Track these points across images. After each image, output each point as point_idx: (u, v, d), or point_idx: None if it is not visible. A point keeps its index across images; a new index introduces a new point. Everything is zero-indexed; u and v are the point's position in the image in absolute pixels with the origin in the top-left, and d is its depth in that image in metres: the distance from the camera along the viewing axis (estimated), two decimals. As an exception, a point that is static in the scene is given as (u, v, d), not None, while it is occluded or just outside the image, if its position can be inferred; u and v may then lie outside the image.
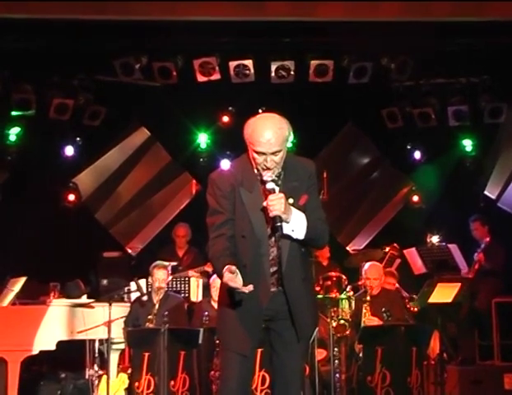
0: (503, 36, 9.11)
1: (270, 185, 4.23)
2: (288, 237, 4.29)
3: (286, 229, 4.23)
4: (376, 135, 11.22)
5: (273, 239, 4.31)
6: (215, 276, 8.51)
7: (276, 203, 4.17)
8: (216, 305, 8.13)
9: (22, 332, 7.56)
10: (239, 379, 4.39)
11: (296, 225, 4.25)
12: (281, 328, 4.40)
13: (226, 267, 4.14)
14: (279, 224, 4.18)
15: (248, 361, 4.42)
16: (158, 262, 8.16)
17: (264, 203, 4.22)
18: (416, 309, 8.24)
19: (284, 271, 4.32)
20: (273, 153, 4.26)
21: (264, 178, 4.26)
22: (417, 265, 9.40)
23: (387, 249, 9.51)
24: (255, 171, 4.35)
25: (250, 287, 4.11)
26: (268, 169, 4.27)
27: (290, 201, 4.25)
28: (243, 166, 4.41)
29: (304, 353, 4.75)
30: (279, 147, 4.26)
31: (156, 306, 7.83)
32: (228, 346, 4.43)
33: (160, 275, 7.98)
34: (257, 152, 4.27)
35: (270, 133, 4.26)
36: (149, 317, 7.75)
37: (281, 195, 4.19)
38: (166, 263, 8.28)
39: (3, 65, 9.61)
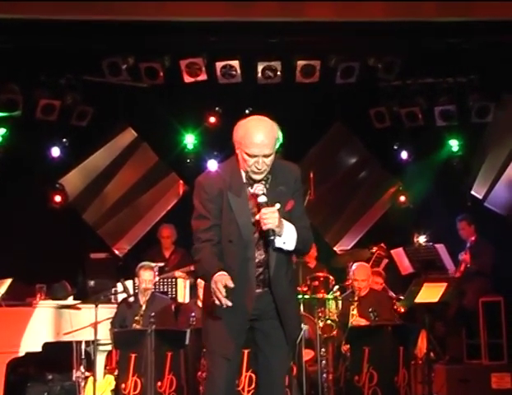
0: (490, 36, 9.15)
1: (262, 199, 4.22)
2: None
3: (278, 242, 4.24)
4: (364, 135, 11.24)
5: (260, 242, 4.32)
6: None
7: (270, 217, 4.17)
8: (202, 306, 8.19)
9: (8, 333, 7.52)
10: (225, 381, 4.40)
11: (287, 238, 4.26)
12: (268, 328, 4.41)
13: (219, 273, 4.16)
14: (272, 237, 4.19)
15: (232, 363, 4.44)
16: (144, 262, 8.15)
17: (257, 216, 4.22)
18: (402, 310, 8.26)
19: (272, 275, 4.33)
20: (265, 156, 4.26)
21: (256, 191, 4.25)
22: (404, 265, 9.42)
23: (374, 249, 9.53)
24: (243, 175, 4.34)
25: (229, 304, 4.12)
26: (259, 172, 4.27)
27: (277, 206, 4.22)
28: (231, 169, 4.39)
29: (290, 354, 4.76)
30: (271, 150, 4.27)
31: (143, 307, 7.83)
32: (212, 348, 4.43)
33: (147, 276, 7.98)
34: (249, 155, 4.26)
35: (263, 136, 4.26)
36: (136, 318, 7.75)
37: (275, 209, 4.19)
38: (153, 264, 8.29)
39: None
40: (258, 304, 4.35)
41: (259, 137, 4.25)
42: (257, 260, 4.34)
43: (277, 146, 4.34)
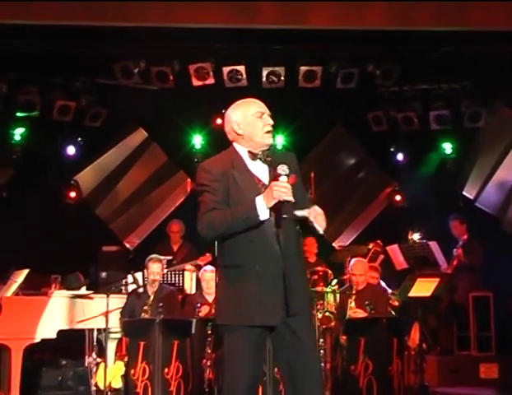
0: (482, 45, 9.13)
1: (284, 179, 4.04)
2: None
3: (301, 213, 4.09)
4: (362, 137, 11.24)
5: (271, 217, 4.10)
6: (203, 269, 8.55)
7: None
8: (208, 297, 8.19)
9: (25, 321, 7.56)
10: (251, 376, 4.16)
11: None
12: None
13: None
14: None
15: (259, 349, 4.21)
16: (153, 255, 8.13)
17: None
18: (397, 303, 8.25)
19: (283, 249, 4.13)
20: (269, 115, 4.28)
21: (279, 170, 4.04)
22: (399, 261, 9.42)
23: (371, 246, 9.49)
24: (244, 154, 4.25)
25: (292, 199, 3.98)
26: (271, 127, 4.23)
27: (284, 178, 4.06)
28: (231, 153, 4.31)
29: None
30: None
31: (151, 297, 7.85)
32: (251, 321, 4.11)
33: (155, 268, 7.98)
34: (257, 115, 4.26)
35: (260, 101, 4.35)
36: (144, 308, 7.76)
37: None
38: (161, 257, 8.26)
39: (10, 68, 9.59)
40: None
41: (256, 100, 4.36)
42: (275, 236, 4.14)
43: None
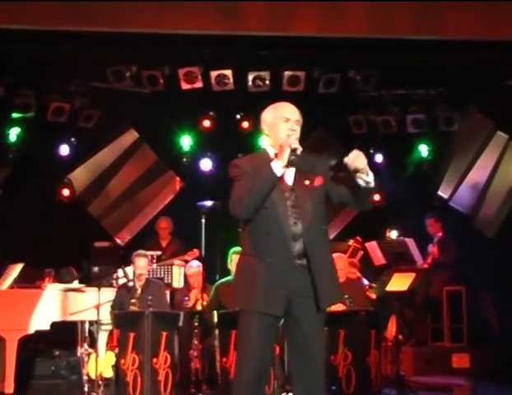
0: (458, 53, 9.19)
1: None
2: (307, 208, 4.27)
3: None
4: (343, 139, 11.23)
5: (295, 214, 4.23)
6: (189, 264, 8.58)
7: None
8: (193, 291, 8.22)
9: (19, 313, 7.57)
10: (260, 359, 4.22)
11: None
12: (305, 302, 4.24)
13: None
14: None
15: (273, 333, 4.26)
16: (139, 251, 8.11)
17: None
18: (374, 296, 8.29)
19: (307, 246, 4.20)
20: (296, 121, 4.33)
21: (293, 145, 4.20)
22: (377, 257, 9.47)
23: (351, 242, 9.53)
24: (271, 153, 4.32)
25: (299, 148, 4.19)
26: (293, 132, 4.29)
27: (306, 182, 4.28)
28: (262, 154, 4.37)
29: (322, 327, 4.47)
30: (299, 118, 4.36)
31: (139, 291, 7.84)
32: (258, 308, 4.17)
33: (141, 262, 7.96)
34: (284, 119, 4.31)
35: (291, 105, 4.42)
36: (132, 301, 7.74)
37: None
38: (147, 252, 8.27)
39: (6, 71, 9.56)
40: (296, 276, 4.20)
41: (287, 104, 4.41)
42: (291, 229, 4.22)
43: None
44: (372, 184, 4.27)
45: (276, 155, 4.26)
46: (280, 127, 4.31)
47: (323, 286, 4.21)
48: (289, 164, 4.19)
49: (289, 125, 4.30)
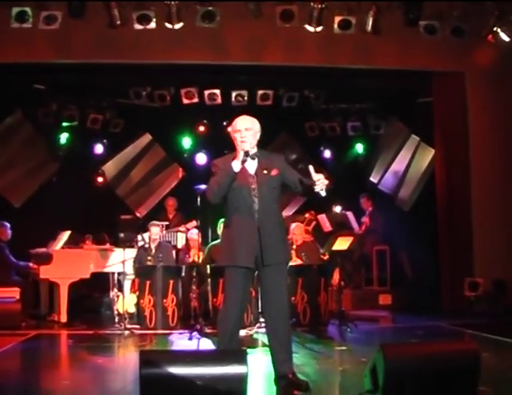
0: (384, 78, 9.26)
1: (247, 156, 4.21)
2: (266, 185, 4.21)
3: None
4: (301, 140, 11.26)
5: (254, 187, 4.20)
6: (190, 232, 8.56)
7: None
8: (193, 250, 8.22)
9: (68, 266, 7.66)
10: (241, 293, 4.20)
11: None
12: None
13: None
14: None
15: (248, 278, 4.23)
16: (153, 221, 8.15)
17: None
18: (327, 256, 8.20)
19: (259, 213, 4.18)
20: (246, 129, 4.27)
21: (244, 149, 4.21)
22: (326, 225, 9.39)
23: (306, 215, 9.47)
24: (240, 155, 4.26)
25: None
26: (244, 140, 4.23)
27: (265, 172, 4.24)
28: (231, 157, 4.33)
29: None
30: (249, 125, 4.29)
31: (153, 251, 7.85)
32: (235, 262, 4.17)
33: (155, 230, 7.97)
34: (235, 131, 4.28)
35: (243, 118, 4.37)
36: (148, 258, 7.77)
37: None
38: (159, 222, 8.27)
39: (58, 92, 9.69)
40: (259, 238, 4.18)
41: (240, 118, 4.36)
42: (254, 208, 4.21)
43: (257, 135, 4.34)
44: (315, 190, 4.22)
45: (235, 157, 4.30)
46: (236, 137, 4.33)
47: (268, 250, 4.18)
48: (243, 162, 4.22)
49: (240, 135, 4.29)
